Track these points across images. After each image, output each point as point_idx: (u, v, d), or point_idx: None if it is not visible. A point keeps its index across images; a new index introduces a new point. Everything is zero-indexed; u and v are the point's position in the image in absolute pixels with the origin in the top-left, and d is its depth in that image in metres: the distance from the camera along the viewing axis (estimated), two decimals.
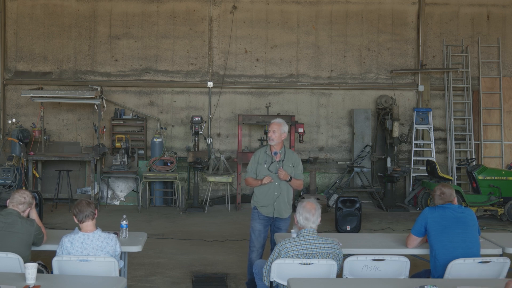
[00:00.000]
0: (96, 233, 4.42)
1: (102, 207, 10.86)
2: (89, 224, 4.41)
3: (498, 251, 4.95)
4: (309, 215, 4.43)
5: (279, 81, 12.13)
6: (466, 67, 12.12)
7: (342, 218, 8.71)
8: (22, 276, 3.86)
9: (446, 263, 4.40)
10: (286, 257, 4.27)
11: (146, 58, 12.01)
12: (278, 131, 5.62)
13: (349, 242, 5.18)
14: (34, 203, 4.83)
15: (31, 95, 10.93)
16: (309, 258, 4.26)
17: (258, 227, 5.75)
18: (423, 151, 12.15)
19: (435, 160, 11.34)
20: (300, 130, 10.91)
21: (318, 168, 11.52)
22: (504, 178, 10.29)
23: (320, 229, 4.50)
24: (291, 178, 5.64)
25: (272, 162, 5.69)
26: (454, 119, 11.97)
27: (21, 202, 4.63)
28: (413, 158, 11.96)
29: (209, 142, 11.69)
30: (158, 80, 12.04)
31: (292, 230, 4.93)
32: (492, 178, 10.29)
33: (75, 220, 4.42)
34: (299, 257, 4.26)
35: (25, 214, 4.68)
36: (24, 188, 10.06)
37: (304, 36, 12.12)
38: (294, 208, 5.01)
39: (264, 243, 5.78)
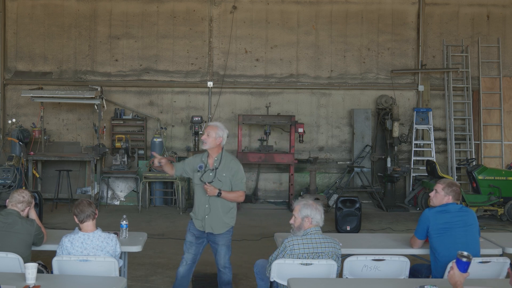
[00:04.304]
0: (96, 233, 4.42)
1: (102, 207, 10.85)
2: (89, 224, 4.42)
3: (498, 251, 4.94)
4: (322, 210, 4.47)
5: (279, 81, 12.13)
6: (466, 67, 12.12)
7: (342, 218, 8.72)
8: (22, 276, 3.86)
9: (447, 264, 4.39)
10: (292, 254, 4.26)
11: (146, 58, 12.01)
12: (213, 135, 5.02)
13: (349, 242, 5.17)
14: (34, 202, 4.82)
15: (31, 95, 10.94)
16: (314, 257, 4.26)
17: (189, 238, 5.23)
18: (423, 151, 12.15)
19: (435, 160, 11.34)
20: (300, 130, 10.92)
21: (318, 168, 11.53)
22: (504, 178, 10.28)
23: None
24: (219, 193, 4.99)
25: (205, 171, 5.10)
26: (454, 119, 11.97)
27: (20, 201, 4.63)
28: (413, 158, 11.95)
29: None
30: (158, 80, 12.04)
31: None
32: (492, 178, 10.28)
33: (76, 220, 4.42)
34: (305, 256, 4.26)
35: (24, 213, 4.68)
36: (24, 188, 10.06)
37: (304, 36, 12.11)
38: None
39: (196, 258, 5.28)
